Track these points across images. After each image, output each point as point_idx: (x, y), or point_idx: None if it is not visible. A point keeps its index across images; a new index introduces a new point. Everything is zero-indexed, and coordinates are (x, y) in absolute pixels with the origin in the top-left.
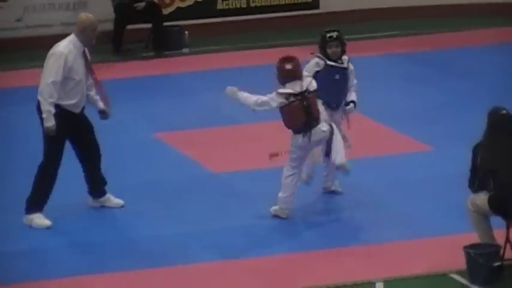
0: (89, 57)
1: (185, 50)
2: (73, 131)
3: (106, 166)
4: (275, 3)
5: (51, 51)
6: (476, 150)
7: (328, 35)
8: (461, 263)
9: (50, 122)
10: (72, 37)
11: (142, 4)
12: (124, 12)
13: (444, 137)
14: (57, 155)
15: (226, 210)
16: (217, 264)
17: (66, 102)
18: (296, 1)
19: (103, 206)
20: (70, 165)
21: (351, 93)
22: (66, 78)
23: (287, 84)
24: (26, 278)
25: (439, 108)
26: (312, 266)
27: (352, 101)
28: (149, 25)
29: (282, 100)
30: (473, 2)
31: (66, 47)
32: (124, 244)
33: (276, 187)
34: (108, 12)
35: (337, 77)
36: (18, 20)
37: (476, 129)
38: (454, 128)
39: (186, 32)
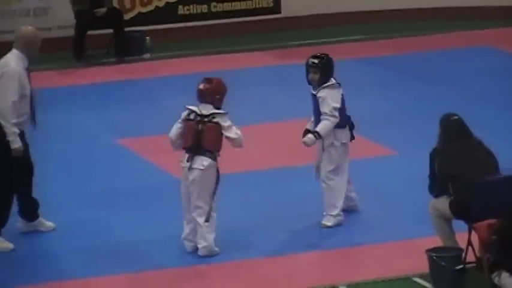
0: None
1: (147, 56)
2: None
3: (69, 172)
4: (236, 8)
5: (3, 69)
6: (433, 155)
7: (307, 61)
8: (425, 266)
9: (17, 144)
10: (16, 52)
11: (103, 10)
12: (85, 18)
13: (410, 141)
14: (13, 176)
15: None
16: (188, 270)
17: (17, 120)
18: (257, 6)
19: (36, 231)
20: None
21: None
22: (20, 95)
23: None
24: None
25: (407, 113)
26: (278, 270)
27: (314, 132)
28: (110, 30)
29: (184, 116)
30: (441, 6)
31: (16, 64)
32: (94, 251)
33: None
34: (69, 18)
35: (313, 104)
36: None
37: None
38: (421, 132)
39: (148, 38)
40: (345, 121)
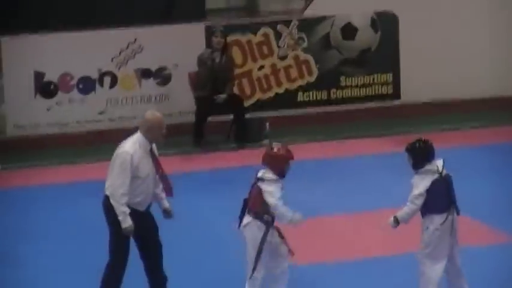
0: (156, 153)
1: (266, 142)
2: (137, 228)
3: (185, 260)
4: (355, 95)
5: (117, 151)
6: None
7: None
8: None
9: (127, 223)
10: (138, 135)
11: (223, 96)
12: (205, 104)
13: None
14: (124, 254)
15: None
16: None
17: (131, 201)
18: (377, 92)
19: None
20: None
21: None
22: (133, 177)
23: None
24: None
25: None
26: None
27: (394, 216)
28: (230, 117)
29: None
30: None
31: (132, 147)
32: None
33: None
34: (190, 104)
35: None
36: (101, 113)
37: None
38: None
39: (267, 124)
40: (443, 207)
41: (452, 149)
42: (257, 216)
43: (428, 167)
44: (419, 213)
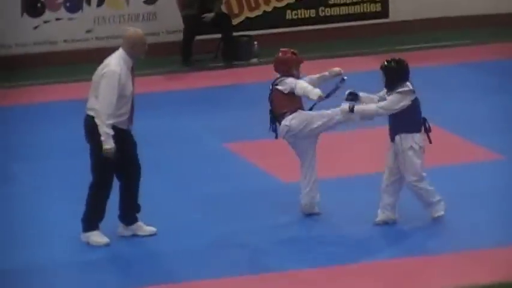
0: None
1: (254, 61)
2: (118, 148)
3: (176, 176)
4: (344, 12)
5: (103, 70)
6: None
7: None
8: None
9: (109, 144)
10: (121, 52)
11: (210, 15)
12: (193, 23)
13: None
14: (109, 174)
15: (298, 220)
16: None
17: (116, 120)
18: (365, 10)
19: (134, 235)
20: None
21: None
22: (119, 96)
23: None
24: None
25: None
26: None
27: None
28: (218, 35)
29: None
30: None
31: (118, 65)
32: (202, 253)
33: (347, 197)
34: (177, 23)
35: None
36: (88, 31)
37: None
38: None
39: (256, 42)
40: (419, 125)
41: (440, 67)
42: (285, 115)
43: (407, 87)
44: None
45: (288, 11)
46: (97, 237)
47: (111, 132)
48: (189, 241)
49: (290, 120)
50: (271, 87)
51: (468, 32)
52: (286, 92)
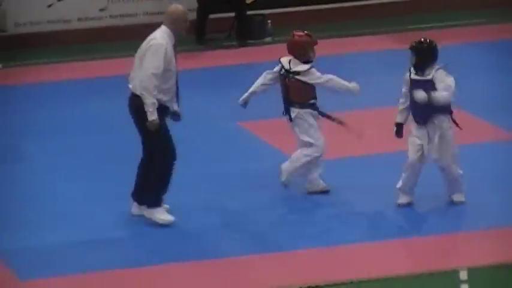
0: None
1: (268, 39)
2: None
3: (189, 154)
4: None
5: (149, 43)
6: None
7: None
8: None
9: (154, 116)
10: (164, 28)
11: None
12: (206, 1)
13: None
14: (166, 147)
15: (310, 198)
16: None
17: (161, 95)
18: None
19: (144, 217)
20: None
21: None
22: (165, 69)
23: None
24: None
25: None
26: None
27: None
28: (232, 14)
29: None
30: None
31: (163, 38)
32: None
33: (357, 177)
34: (191, 1)
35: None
36: (102, 10)
37: None
38: None
39: (269, 21)
40: (450, 107)
41: (454, 46)
42: (303, 105)
43: (438, 65)
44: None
45: None
46: (162, 214)
47: (156, 102)
48: (205, 218)
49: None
50: (284, 73)
51: (480, 12)
52: (310, 82)
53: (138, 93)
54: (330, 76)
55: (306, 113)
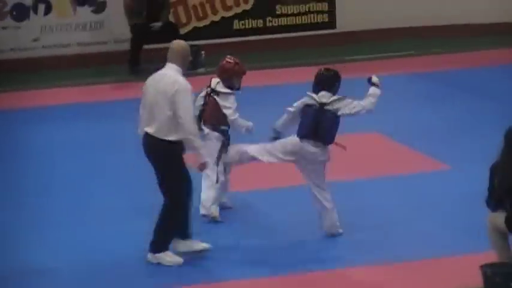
0: None
1: (201, 70)
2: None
3: (121, 184)
4: (291, 23)
5: (175, 87)
6: (494, 169)
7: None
8: (479, 282)
9: (206, 157)
10: (174, 67)
11: (158, 24)
12: (140, 32)
13: (463, 156)
14: (188, 193)
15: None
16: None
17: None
18: (313, 21)
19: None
20: None
21: None
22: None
23: None
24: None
25: (459, 127)
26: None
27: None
28: (166, 45)
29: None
30: (492, 22)
31: (183, 78)
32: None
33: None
34: (125, 32)
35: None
36: (35, 40)
37: (496, 148)
38: (473, 147)
39: (203, 52)
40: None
41: (386, 77)
42: (214, 128)
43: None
44: None
45: (236, 21)
46: (170, 257)
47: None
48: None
49: (210, 138)
50: (208, 91)
51: (413, 42)
52: (221, 107)
53: (162, 137)
54: (237, 116)
55: (215, 137)
